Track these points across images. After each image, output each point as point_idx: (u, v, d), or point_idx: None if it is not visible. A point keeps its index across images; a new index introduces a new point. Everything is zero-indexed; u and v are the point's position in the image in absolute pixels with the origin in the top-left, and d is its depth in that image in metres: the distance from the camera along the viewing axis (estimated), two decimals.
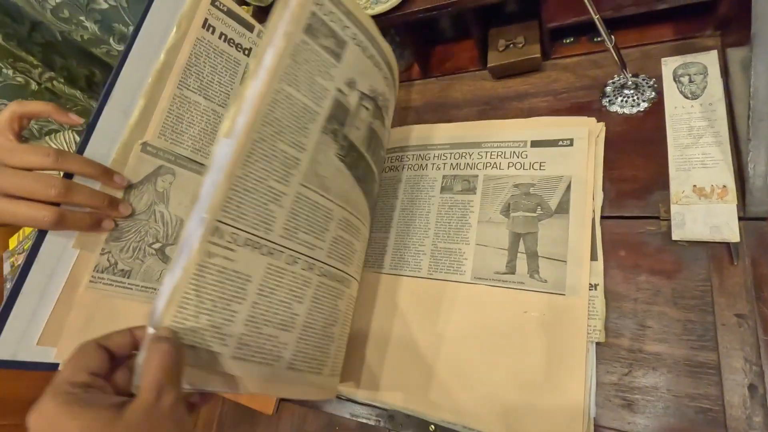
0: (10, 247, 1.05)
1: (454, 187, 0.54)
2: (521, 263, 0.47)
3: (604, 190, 0.48)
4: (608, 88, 0.54)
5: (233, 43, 0.43)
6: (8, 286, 0.97)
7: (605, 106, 0.53)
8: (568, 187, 0.48)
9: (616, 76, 0.54)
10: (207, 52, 0.41)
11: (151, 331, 0.29)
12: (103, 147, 0.35)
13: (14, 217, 0.30)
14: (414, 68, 0.70)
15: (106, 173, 0.34)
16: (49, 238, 0.32)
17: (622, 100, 0.52)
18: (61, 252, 0.33)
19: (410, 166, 0.59)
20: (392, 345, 0.50)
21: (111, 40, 0.78)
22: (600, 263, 0.45)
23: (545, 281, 0.45)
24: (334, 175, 0.39)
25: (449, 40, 0.71)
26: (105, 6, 0.73)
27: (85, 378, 0.25)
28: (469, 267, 0.50)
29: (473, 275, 0.49)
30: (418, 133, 0.61)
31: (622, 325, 0.43)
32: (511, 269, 0.48)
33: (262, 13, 0.66)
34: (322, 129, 0.37)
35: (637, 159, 0.49)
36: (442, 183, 0.55)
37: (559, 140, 0.51)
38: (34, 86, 0.88)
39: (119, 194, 0.36)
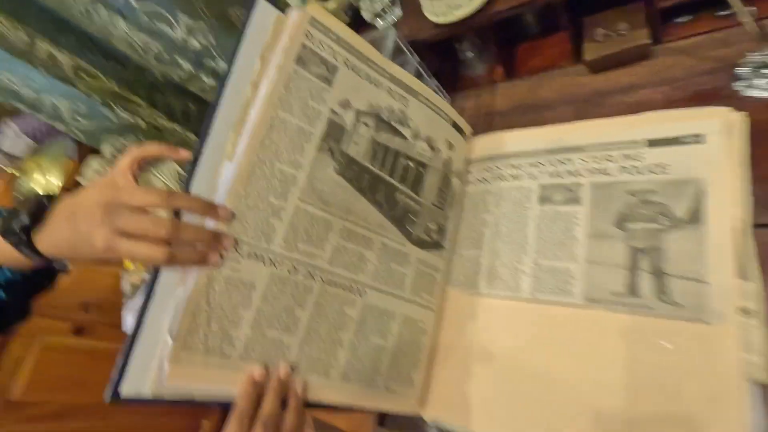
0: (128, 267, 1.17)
1: (555, 198, 0.49)
2: (645, 283, 0.41)
3: (752, 193, 0.39)
4: (743, 70, 0.45)
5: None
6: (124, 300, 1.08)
7: (740, 91, 0.45)
8: (702, 192, 0.40)
9: (752, 53, 0.45)
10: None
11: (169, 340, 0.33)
12: (206, 180, 0.37)
13: (132, 255, 0.32)
14: (496, 70, 0.66)
15: (211, 208, 0.35)
16: (163, 275, 0.34)
17: (766, 82, 0.43)
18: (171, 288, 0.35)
19: (501, 177, 0.54)
20: (493, 371, 0.46)
21: (202, 75, 0.84)
22: (755, 283, 0.37)
23: (680, 305, 0.38)
24: (333, 188, 0.43)
25: (535, 36, 0.65)
26: (198, 46, 0.79)
27: None
28: (580, 287, 0.44)
29: (586, 296, 0.43)
30: (507, 139, 0.56)
31: None
32: (633, 290, 0.41)
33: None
34: (317, 147, 0.42)
35: None
36: (540, 194, 0.50)
37: (683, 137, 0.43)
38: (142, 124, 0.98)
39: (225, 227, 0.36)
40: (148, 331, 0.33)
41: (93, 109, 0.95)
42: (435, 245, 0.52)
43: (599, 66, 0.54)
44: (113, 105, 0.93)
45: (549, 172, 0.51)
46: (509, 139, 0.56)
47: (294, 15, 0.42)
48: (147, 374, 0.33)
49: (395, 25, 0.67)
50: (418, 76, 0.61)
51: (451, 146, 0.54)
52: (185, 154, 0.37)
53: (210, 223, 0.36)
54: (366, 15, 0.70)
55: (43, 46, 0.87)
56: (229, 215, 0.37)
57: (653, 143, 0.45)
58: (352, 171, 0.45)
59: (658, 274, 0.40)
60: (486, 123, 0.62)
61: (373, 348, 0.45)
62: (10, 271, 0.40)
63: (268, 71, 0.40)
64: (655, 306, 0.39)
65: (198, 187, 0.36)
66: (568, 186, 0.49)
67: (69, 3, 0.74)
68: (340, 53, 0.45)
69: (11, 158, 1.28)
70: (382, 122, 0.48)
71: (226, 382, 0.35)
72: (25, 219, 0.35)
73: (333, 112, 0.44)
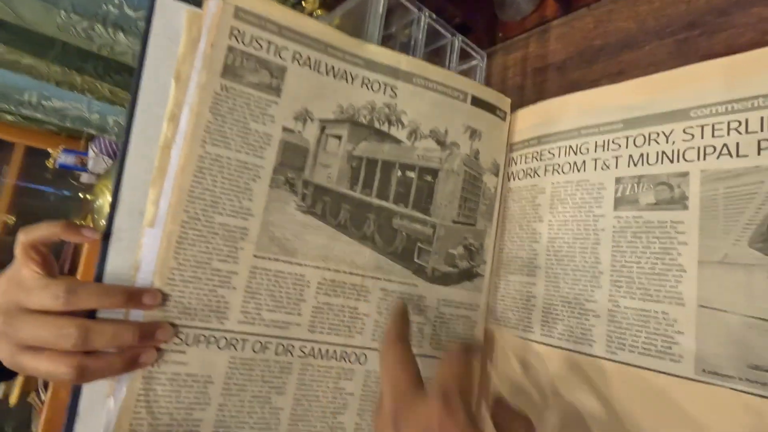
0: None
1: (641, 199, 0.32)
2: None
3: None
4: None
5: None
6: None
7: None
8: None
9: None
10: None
11: None
12: (125, 259, 0.29)
13: (37, 373, 0.26)
14: (548, 4, 0.46)
15: (132, 298, 0.28)
16: (86, 390, 0.28)
17: None
18: (103, 402, 0.28)
19: (555, 168, 0.38)
20: None
21: None
22: None
23: None
24: (299, 231, 0.33)
25: None
26: None
27: None
28: (689, 349, 0.28)
29: (699, 366, 0.27)
30: (562, 109, 0.39)
31: None
32: None
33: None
34: (270, 183, 0.32)
35: None
36: (616, 192, 0.33)
37: None
38: None
39: (157, 313, 0.29)
40: None
41: None
42: (466, 275, 0.38)
43: None
44: None
45: (630, 157, 0.33)
46: (565, 108, 0.38)
47: (211, 7, 0.30)
48: None
49: None
50: (433, 33, 0.45)
51: (474, 134, 0.39)
52: (89, 233, 0.29)
53: (138, 313, 0.28)
54: None
55: (76, 76, 0.88)
56: (158, 299, 0.28)
57: None
58: (322, 204, 0.34)
59: None
60: (535, 85, 0.45)
61: None
62: None
63: (187, 95, 0.30)
64: None
65: (114, 270, 0.29)
66: (662, 178, 0.31)
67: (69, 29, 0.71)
68: (287, 47, 0.33)
69: (98, 178, 1.41)
70: (360, 128, 0.35)
71: None
72: None
73: (287, 130, 0.33)
